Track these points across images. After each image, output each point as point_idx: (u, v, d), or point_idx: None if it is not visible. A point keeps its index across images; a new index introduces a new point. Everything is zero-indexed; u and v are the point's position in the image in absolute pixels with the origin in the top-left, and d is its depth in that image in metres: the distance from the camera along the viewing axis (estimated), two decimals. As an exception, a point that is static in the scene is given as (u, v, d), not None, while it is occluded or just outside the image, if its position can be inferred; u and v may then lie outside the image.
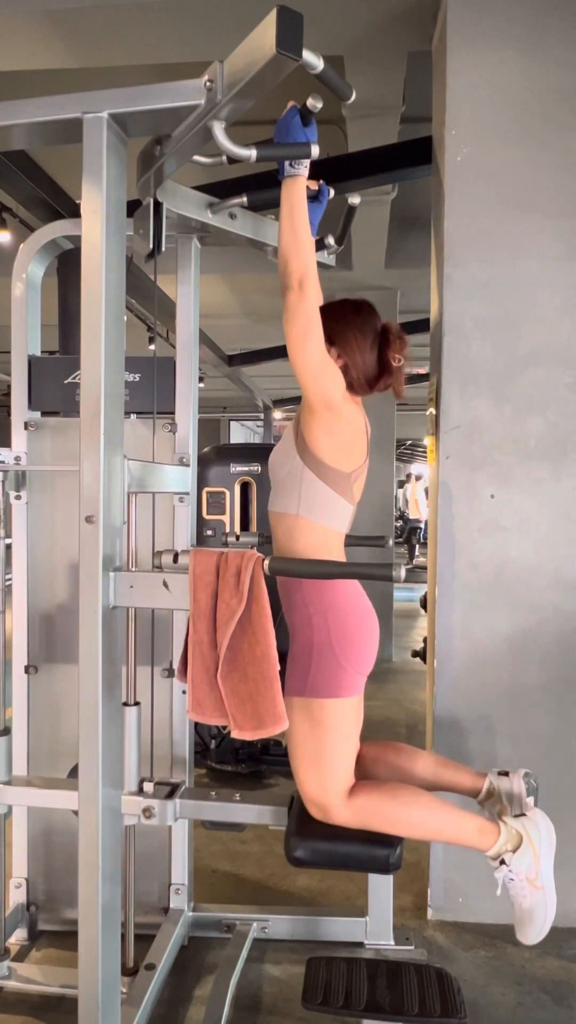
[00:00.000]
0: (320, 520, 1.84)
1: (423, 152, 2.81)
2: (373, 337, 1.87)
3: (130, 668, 1.92)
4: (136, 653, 1.96)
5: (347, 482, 1.85)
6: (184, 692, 2.17)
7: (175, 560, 1.66)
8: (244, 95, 1.43)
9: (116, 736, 1.67)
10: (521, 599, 2.47)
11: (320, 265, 2.12)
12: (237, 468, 4.01)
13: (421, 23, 2.72)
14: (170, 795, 1.86)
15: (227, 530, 3.94)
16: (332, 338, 1.83)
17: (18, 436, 2.31)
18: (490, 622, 2.48)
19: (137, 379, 2.33)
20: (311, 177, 1.74)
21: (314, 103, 1.52)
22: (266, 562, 1.59)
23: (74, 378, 2.32)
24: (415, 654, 5.09)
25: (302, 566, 1.72)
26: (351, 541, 1.97)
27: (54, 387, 2.33)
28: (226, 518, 4.00)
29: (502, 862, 1.75)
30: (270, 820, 1.98)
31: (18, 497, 2.30)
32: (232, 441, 15.54)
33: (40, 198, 3.85)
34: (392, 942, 2.34)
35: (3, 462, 2.28)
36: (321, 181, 1.98)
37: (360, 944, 2.35)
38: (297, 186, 1.67)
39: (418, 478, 14.24)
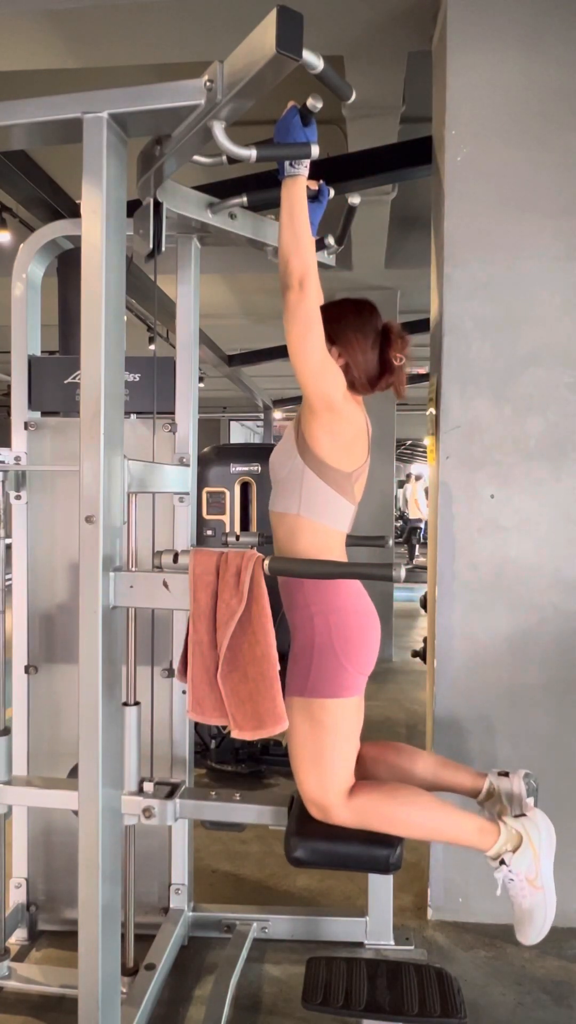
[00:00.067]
0: (321, 520, 1.84)
1: (423, 152, 2.81)
2: (374, 336, 1.87)
3: (130, 668, 1.92)
4: (136, 653, 1.96)
5: (348, 482, 1.85)
6: (184, 692, 2.17)
7: (175, 560, 1.66)
8: (244, 95, 1.43)
9: (116, 736, 1.67)
10: (521, 599, 2.47)
11: (320, 265, 2.12)
12: (237, 468, 4.01)
13: (421, 23, 2.72)
14: (170, 795, 1.86)
15: (227, 530, 3.94)
16: (333, 337, 1.83)
17: (18, 436, 2.31)
18: (490, 622, 2.48)
19: (137, 379, 2.33)
20: (311, 177, 1.74)
21: (314, 103, 1.52)
22: (266, 562, 1.59)
23: (74, 378, 2.32)
24: (415, 654, 5.09)
25: (302, 566, 1.72)
26: (351, 541, 1.97)
27: (54, 387, 2.33)
28: (226, 518, 4.00)
29: (502, 862, 1.75)
30: (270, 820, 1.98)
31: (18, 497, 2.30)
32: (232, 441, 15.54)
33: (40, 198, 3.85)
34: (392, 942, 2.34)
35: (3, 462, 2.28)
36: (321, 181, 1.98)
37: (360, 944, 2.35)
38: (297, 186, 1.67)
39: (418, 478, 14.23)
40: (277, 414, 9.41)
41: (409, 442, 18.44)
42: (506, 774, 1.95)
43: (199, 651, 1.64)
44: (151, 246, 1.84)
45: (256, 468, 3.99)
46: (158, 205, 1.84)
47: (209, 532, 3.96)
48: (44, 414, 2.35)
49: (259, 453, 4.08)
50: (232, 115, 1.49)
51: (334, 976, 1.77)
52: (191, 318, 2.29)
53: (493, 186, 2.44)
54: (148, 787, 1.86)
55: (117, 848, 1.67)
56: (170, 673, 2.33)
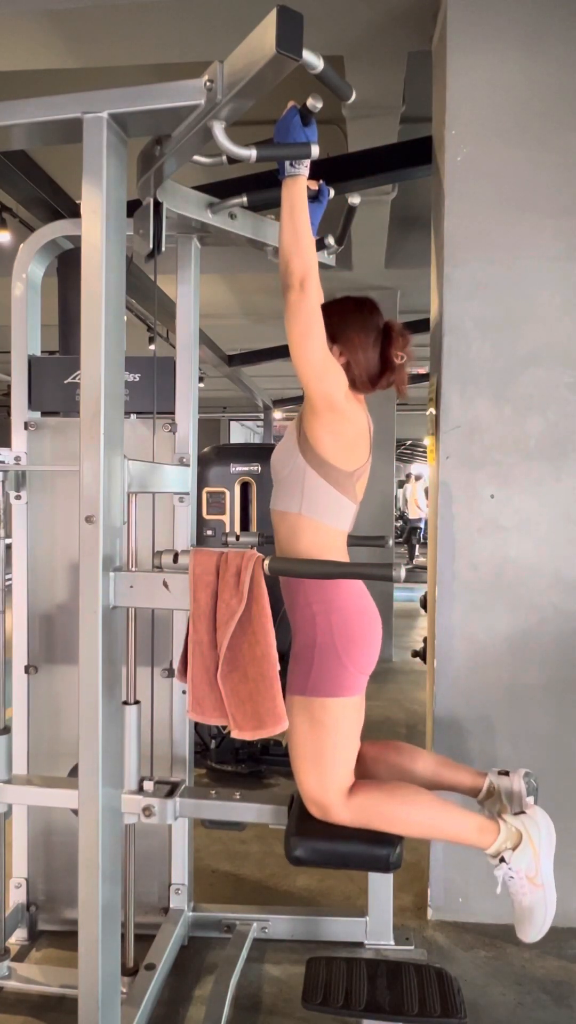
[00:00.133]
0: (323, 519, 1.84)
1: (423, 152, 2.81)
2: (376, 334, 1.88)
3: (130, 668, 1.92)
4: (136, 653, 1.96)
5: (350, 481, 1.85)
6: (184, 692, 2.17)
7: (175, 560, 1.66)
8: (244, 95, 1.43)
9: (116, 735, 1.67)
10: (521, 599, 2.47)
11: (320, 265, 2.12)
12: (237, 468, 4.01)
13: (421, 23, 2.72)
14: (170, 794, 1.86)
15: (227, 530, 3.94)
16: (335, 335, 1.83)
17: (18, 436, 2.31)
18: (490, 622, 2.48)
19: (137, 379, 2.33)
20: (311, 177, 1.74)
21: (314, 103, 1.52)
22: (266, 562, 1.59)
23: (74, 378, 2.32)
24: (415, 654, 5.09)
25: (302, 566, 1.72)
26: (351, 541, 1.97)
27: (54, 387, 2.33)
28: (226, 518, 4.00)
29: (502, 860, 1.75)
30: (270, 819, 1.98)
31: (18, 497, 2.30)
32: (232, 441, 15.54)
33: (40, 198, 3.85)
34: (392, 942, 2.34)
35: (3, 462, 2.28)
36: (321, 181, 1.98)
37: (360, 944, 2.35)
38: (297, 186, 1.67)
39: (418, 478, 14.24)
40: (277, 414, 9.42)
41: (409, 442, 18.45)
42: (506, 773, 1.95)
43: (199, 651, 1.64)
44: (151, 246, 1.84)
45: (256, 468, 4.00)
46: (158, 205, 1.84)
47: (209, 532, 3.96)
48: (44, 414, 2.35)
49: (259, 453, 4.08)
50: (232, 115, 1.50)
51: (334, 976, 1.77)
52: (191, 318, 2.29)
53: (493, 186, 2.44)
54: (148, 786, 1.86)
55: (117, 847, 1.67)
56: (170, 673, 2.33)
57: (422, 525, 13.82)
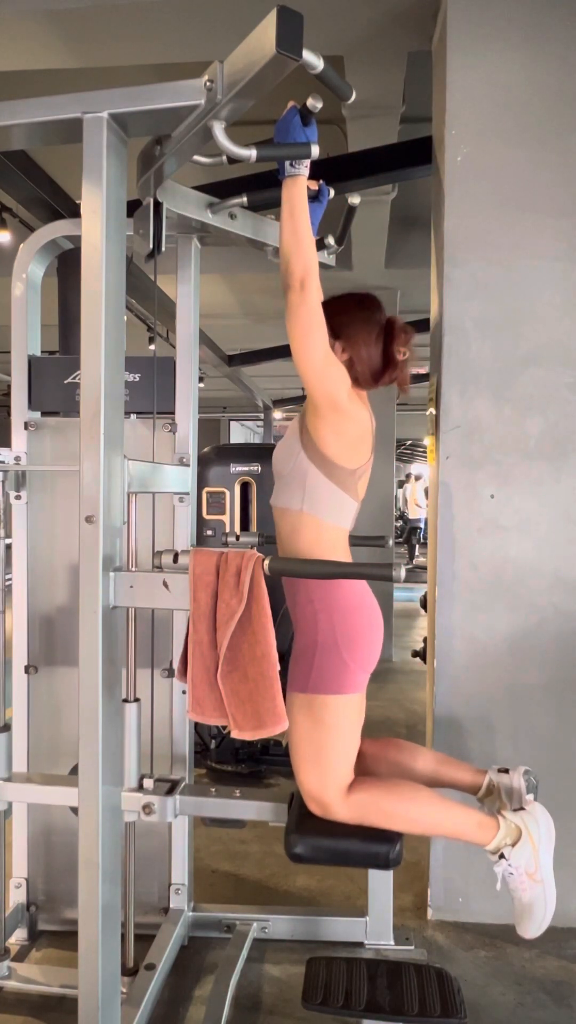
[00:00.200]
0: (324, 516, 1.84)
1: (423, 152, 2.81)
2: (378, 330, 1.88)
3: (130, 668, 1.92)
4: (136, 653, 1.97)
5: (352, 478, 1.85)
6: (184, 692, 2.17)
7: (175, 560, 1.66)
8: (244, 95, 1.43)
9: (116, 734, 1.67)
10: (521, 599, 2.47)
11: (320, 265, 2.12)
12: (237, 468, 4.01)
13: (421, 23, 2.72)
14: (170, 791, 1.86)
15: (227, 530, 3.94)
16: (337, 332, 1.83)
17: (18, 436, 2.31)
18: (490, 622, 2.48)
19: (137, 379, 2.33)
20: (311, 177, 1.74)
21: (314, 103, 1.52)
22: (266, 562, 1.59)
23: (74, 378, 2.32)
24: (415, 654, 5.09)
25: (302, 566, 1.72)
26: (351, 541, 1.97)
27: (54, 387, 2.33)
28: (226, 518, 4.00)
29: (501, 856, 1.75)
30: (270, 816, 1.99)
31: (18, 497, 2.30)
32: (232, 441, 15.54)
33: (40, 198, 3.85)
34: (392, 942, 2.34)
35: (3, 462, 2.28)
36: (321, 181, 1.98)
37: (360, 944, 2.35)
38: (297, 186, 1.67)
39: (418, 478, 14.24)
40: (277, 414, 9.41)
41: (409, 442, 18.45)
42: (506, 770, 1.95)
43: (199, 651, 1.64)
44: (151, 246, 1.84)
45: (256, 468, 3.99)
46: (158, 205, 1.84)
47: (209, 532, 3.96)
48: (44, 414, 2.36)
49: (259, 453, 4.08)
50: (232, 115, 1.50)
51: (334, 976, 1.77)
52: (191, 318, 2.29)
53: (493, 186, 2.44)
54: (148, 783, 1.86)
55: (117, 846, 1.67)
56: (170, 673, 2.33)
57: (422, 525, 13.83)
